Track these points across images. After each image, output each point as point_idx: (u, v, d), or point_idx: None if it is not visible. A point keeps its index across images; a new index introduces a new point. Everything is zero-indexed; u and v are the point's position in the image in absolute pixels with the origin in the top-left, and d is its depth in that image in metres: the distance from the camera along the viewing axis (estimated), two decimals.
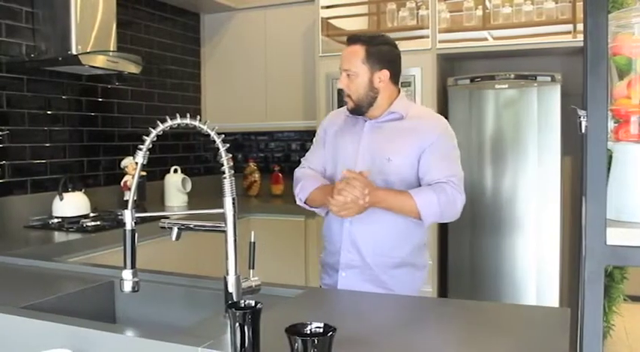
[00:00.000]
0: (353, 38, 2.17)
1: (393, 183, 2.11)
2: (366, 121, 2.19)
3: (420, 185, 2.12)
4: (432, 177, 2.08)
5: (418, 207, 2.00)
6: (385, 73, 2.14)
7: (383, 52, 2.14)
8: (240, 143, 4.99)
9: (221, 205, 1.49)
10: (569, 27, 3.46)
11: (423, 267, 2.23)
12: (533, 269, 3.56)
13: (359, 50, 2.12)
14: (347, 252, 2.16)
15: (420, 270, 2.21)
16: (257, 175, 4.70)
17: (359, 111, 2.16)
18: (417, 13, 3.74)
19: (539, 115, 3.50)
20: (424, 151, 2.09)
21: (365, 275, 2.14)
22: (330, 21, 4.00)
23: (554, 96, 3.46)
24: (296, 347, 1.01)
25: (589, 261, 1.03)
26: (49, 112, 3.45)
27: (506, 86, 3.57)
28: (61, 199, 3.27)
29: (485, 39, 3.65)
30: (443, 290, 3.78)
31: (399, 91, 2.22)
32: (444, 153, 2.12)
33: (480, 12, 3.61)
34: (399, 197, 2.01)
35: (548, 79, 3.48)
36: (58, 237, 2.97)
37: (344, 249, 2.16)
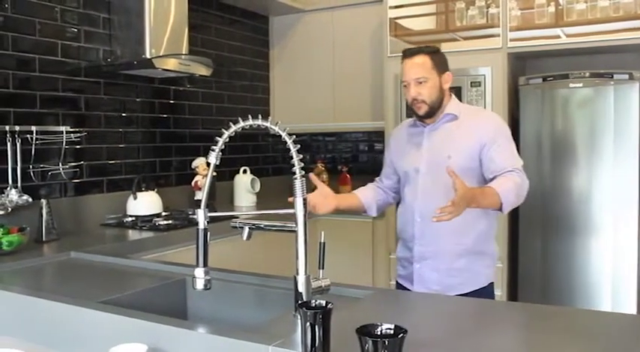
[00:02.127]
0: (412, 51, 2.34)
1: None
2: (425, 127, 2.36)
3: (483, 177, 2.25)
4: (498, 168, 2.20)
5: (502, 199, 2.09)
6: (450, 76, 2.33)
7: (443, 58, 2.34)
8: (309, 144, 5.02)
9: (288, 205, 1.51)
10: None
11: (491, 256, 2.35)
12: (609, 274, 3.44)
13: (425, 59, 2.28)
14: (419, 245, 2.32)
15: (488, 258, 2.34)
16: (325, 176, 4.69)
17: (431, 113, 2.31)
18: (487, 12, 3.67)
19: (615, 115, 3.37)
20: (484, 146, 2.23)
21: (436, 265, 2.30)
22: (398, 21, 3.97)
23: (632, 94, 3.34)
24: (366, 348, 1.01)
25: None
26: (123, 114, 3.56)
27: (581, 85, 3.46)
28: (135, 198, 3.38)
29: (558, 36, 3.54)
30: (513, 294, 3.69)
31: (450, 94, 2.38)
32: (504, 144, 2.26)
33: (552, 9, 3.51)
34: (487, 195, 2.09)
35: (626, 76, 3.36)
36: (132, 234, 3.07)
37: (417, 243, 2.33)
